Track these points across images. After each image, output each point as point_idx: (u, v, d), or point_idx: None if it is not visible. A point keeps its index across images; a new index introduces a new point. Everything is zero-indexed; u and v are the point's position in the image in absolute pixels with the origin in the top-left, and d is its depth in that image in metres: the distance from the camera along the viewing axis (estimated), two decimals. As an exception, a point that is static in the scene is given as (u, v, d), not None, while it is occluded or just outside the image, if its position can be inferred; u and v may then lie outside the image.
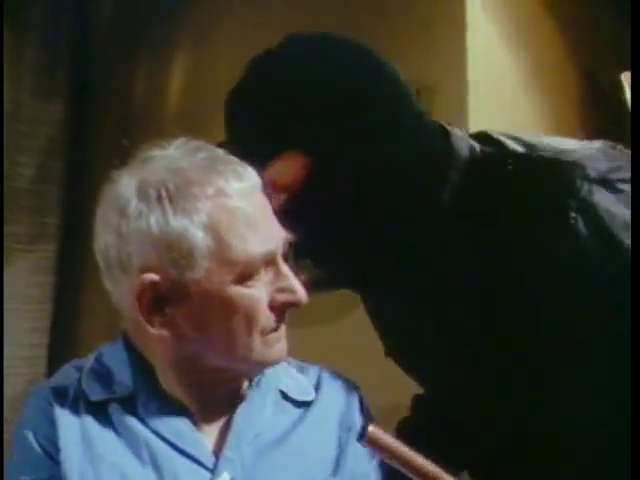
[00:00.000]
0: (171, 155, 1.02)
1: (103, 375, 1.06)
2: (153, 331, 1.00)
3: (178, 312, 1.00)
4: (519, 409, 1.10)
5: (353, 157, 1.05)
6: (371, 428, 0.91)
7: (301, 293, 1.02)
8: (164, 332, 1.00)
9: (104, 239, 1.01)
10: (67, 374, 1.08)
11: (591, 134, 2.18)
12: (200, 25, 2.75)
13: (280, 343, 1.04)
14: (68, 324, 2.96)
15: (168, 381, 1.05)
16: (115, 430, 1.01)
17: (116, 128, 2.97)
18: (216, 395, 1.06)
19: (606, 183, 1.03)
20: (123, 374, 1.05)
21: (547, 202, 1.03)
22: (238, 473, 1.00)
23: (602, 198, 1.02)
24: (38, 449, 1.01)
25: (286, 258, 1.04)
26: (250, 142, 1.07)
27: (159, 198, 0.98)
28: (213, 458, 1.01)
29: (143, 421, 1.02)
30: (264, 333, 1.02)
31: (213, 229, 0.97)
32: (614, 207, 1.01)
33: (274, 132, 1.05)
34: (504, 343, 1.08)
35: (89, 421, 1.02)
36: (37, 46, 3.07)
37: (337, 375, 1.16)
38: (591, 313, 1.01)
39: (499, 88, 2.02)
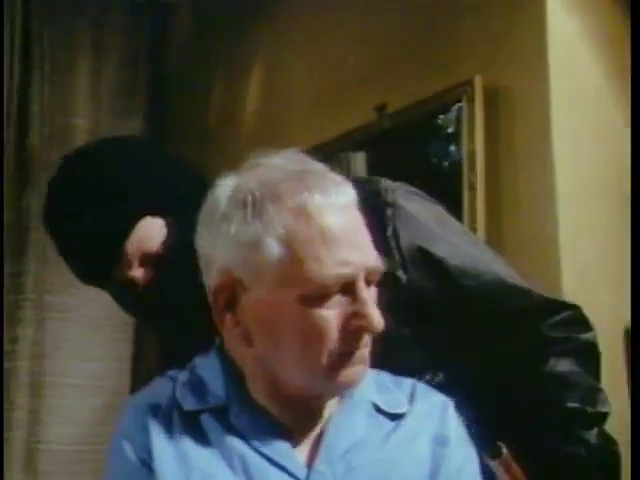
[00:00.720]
0: (272, 164, 1.02)
1: (197, 386, 1.06)
2: (223, 331, 1.03)
3: (249, 318, 1.01)
4: None
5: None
6: (504, 451, 0.96)
7: (376, 320, 0.98)
8: (234, 332, 1.02)
9: (199, 239, 1.04)
10: (161, 384, 1.09)
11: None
12: (276, 28, 2.78)
13: (354, 368, 1.01)
14: (150, 336, 2.99)
15: (258, 392, 1.05)
16: (208, 440, 1.01)
17: (194, 144, 3.01)
18: (305, 408, 1.05)
19: (400, 190, 1.29)
20: (216, 384, 1.05)
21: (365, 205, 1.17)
22: None
23: (403, 198, 1.28)
24: (134, 458, 1.01)
25: (374, 283, 1.02)
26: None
27: (244, 205, 0.99)
28: (305, 471, 1.00)
29: (236, 432, 1.02)
30: (333, 356, 0.99)
31: (289, 244, 0.97)
32: (414, 204, 1.28)
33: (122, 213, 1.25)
34: None
35: (182, 431, 1.02)
36: (116, 65, 3.15)
37: (431, 389, 1.13)
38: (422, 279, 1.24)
39: (582, 86, 1.98)
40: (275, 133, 2.66)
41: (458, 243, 1.28)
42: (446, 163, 2.18)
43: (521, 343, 1.24)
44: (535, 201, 1.97)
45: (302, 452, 1.02)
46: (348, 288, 0.98)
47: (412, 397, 1.10)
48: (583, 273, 1.87)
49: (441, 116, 2.20)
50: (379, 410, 1.07)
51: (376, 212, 1.18)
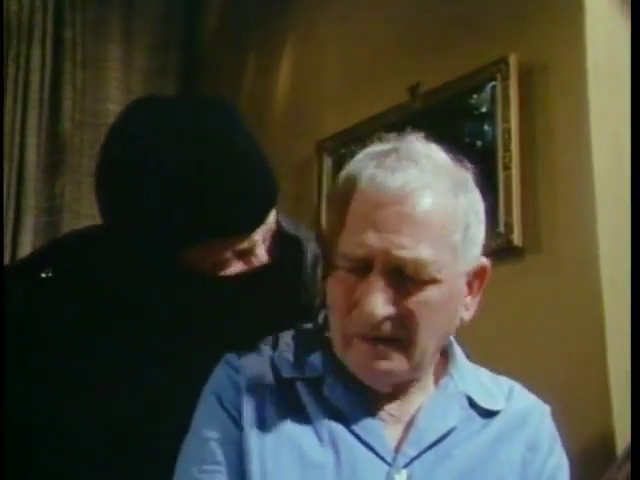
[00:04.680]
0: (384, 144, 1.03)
1: (297, 355, 1.05)
2: None
3: None
4: None
5: None
6: None
7: (367, 309, 0.94)
8: None
9: None
10: (261, 348, 1.08)
11: None
12: (308, 10, 2.77)
13: (359, 353, 0.98)
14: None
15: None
16: (300, 409, 1.01)
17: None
18: (394, 392, 1.03)
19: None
20: (315, 356, 1.04)
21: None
22: (416, 473, 0.98)
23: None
24: (221, 411, 1.02)
25: (418, 279, 0.95)
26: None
27: None
28: (393, 454, 0.99)
29: (328, 404, 1.01)
30: (346, 332, 0.98)
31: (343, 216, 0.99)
32: None
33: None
34: None
35: (275, 397, 1.02)
36: (147, 50, 3.16)
37: (528, 392, 1.11)
38: None
39: (620, 63, 1.95)
40: (307, 115, 2.66)
41: None
42: (480, 143, 2.17)
43: None
44: (572, 180, 1.95)
45: (392, 435, 1.01)
46: (360, 271, 0.96)
47: (509, 396, 1.07)
48: (618, 248, 1.85)
49: (474, 95, 2.18)
50: (473, 404, 1.04)
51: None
